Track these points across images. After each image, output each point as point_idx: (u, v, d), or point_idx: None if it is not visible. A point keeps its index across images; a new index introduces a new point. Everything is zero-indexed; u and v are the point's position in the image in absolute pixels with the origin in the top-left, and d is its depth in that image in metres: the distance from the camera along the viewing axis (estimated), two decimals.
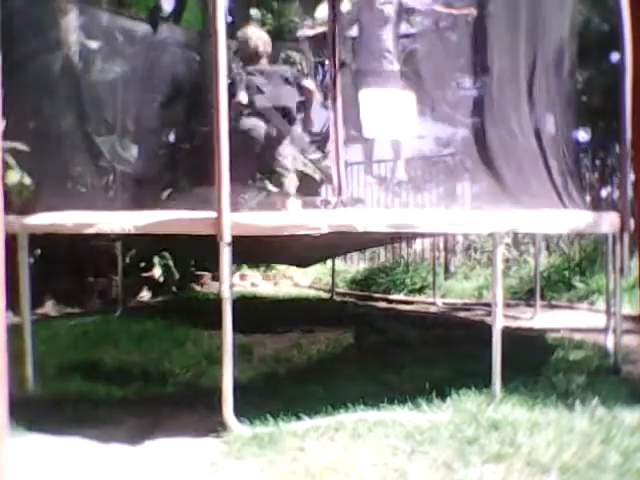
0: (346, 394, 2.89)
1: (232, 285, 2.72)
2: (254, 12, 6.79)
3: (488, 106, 4.49)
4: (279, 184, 4.44)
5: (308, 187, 6.64)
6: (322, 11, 6.62)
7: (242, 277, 7.65)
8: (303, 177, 6.70)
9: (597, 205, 7.00)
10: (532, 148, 3.78)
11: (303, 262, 6.80)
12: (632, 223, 3.54)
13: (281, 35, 6.86)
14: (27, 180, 4.18)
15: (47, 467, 2.36)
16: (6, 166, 3.99)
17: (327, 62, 5.76)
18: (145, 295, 6.61)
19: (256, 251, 4.36)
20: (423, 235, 6.68)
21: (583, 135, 8.87)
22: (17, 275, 3.07)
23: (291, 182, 4.49)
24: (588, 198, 7.05)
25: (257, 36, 4.58)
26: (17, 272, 3.07)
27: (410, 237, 7.15)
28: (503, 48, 3.85)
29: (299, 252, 5.08)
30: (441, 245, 7.84)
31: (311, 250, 5.01)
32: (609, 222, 3.52)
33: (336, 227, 2.90)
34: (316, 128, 6.57)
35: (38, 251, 5.46)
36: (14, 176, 4.13)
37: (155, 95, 5.58)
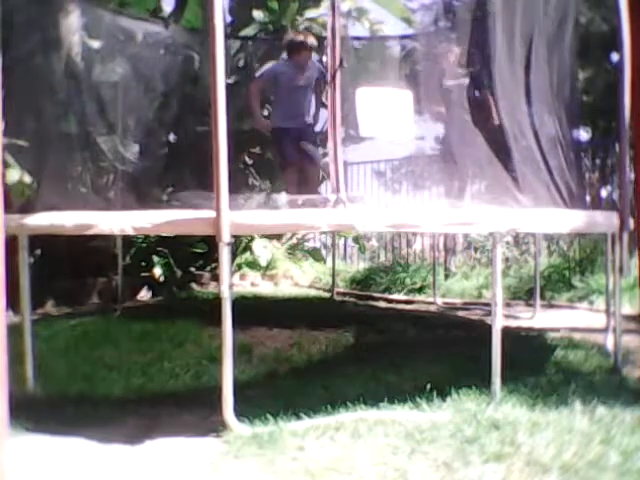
0: (346, 393, 2.89)
1: (232, 285, 2.72)
2: (257, 14, 6.77)
3: (488, 105, 4.49)
4: None
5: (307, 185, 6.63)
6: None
7: (242, 277, 7.64)
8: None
9: (597, 204, 7.00)
10: (532, 146, 3.78)
11: None
12: (631, 223, 3.54)
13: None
14: (27, 178, 4.17)
15: (47, 467, 2.36)
16: (6, 165, 3.98)
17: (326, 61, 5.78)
18: (145, 295, 6.61)
19: None
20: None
21: (583, 134, 8.87)
22: (17, 275, 3.07)
23: None
24: (588, 198, 7.05)
25: None
26: (17, 272, 3.07)
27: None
28: (503, 46, 3.85)
29: None
30: (441, 245, 7.83)
31: None
32: (609, 222, 3.52)
33: (336, 226, 2.90)
34: (317, 127, 6.58)
35: (38, 251, 5.46)
36: (14, 174, 4.12)
37: (156, 94, 5.59)
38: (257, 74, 6.00)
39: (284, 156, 5.62)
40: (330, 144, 5.67)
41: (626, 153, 3.54)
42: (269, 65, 5.98)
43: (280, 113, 5.58)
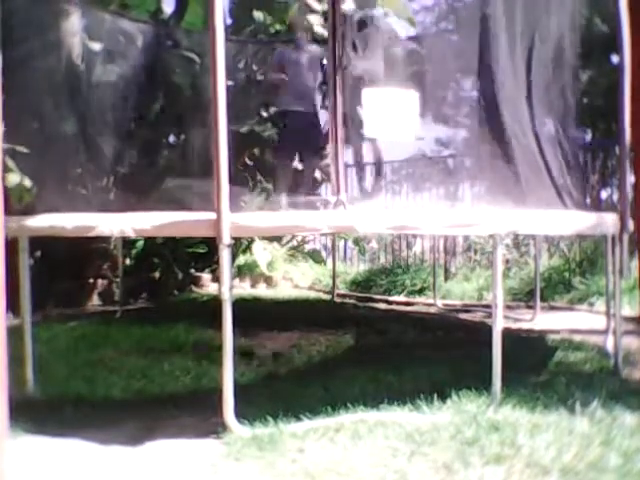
0: (346, 395, 2.89)
1: (232, 287, 2.72)
2: (257, 15, 6.79)
3: (488, 107, 4.48)
4: None
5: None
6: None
7: (242, 279, 7.63)
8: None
9: (597, 206, 7.01)
10: (532, 149, 3.78)
11: None
12: (632, 224, 3.54)
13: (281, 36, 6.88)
14: (27, 182, 4.18)
15: (47, 469, 2.36)
16: (6, 168, 3.99)
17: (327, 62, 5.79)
18: (145, 296, 6.60)
19: None
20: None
21: (584, 136, 8.87)
22: (17, 277, 3.07)
23: None
24: (588, 199, 7.05)
25: None
26: (17, 274, 3.07)
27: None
28: (503, 48, 3.85)
29: None
30: (441, 246, 7.83)
31: None
32: (609, 223, 3.52)
33: (336, 228, 2.90)
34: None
35: (38, 253, 5.47)
36: (14, 178, 4.12)
37: (156, 96, 5.60)
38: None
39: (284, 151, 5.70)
40: (331, 145, 5.67)
41: (626, 155, 3.54)
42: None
43: (286, 96, 5.70)
